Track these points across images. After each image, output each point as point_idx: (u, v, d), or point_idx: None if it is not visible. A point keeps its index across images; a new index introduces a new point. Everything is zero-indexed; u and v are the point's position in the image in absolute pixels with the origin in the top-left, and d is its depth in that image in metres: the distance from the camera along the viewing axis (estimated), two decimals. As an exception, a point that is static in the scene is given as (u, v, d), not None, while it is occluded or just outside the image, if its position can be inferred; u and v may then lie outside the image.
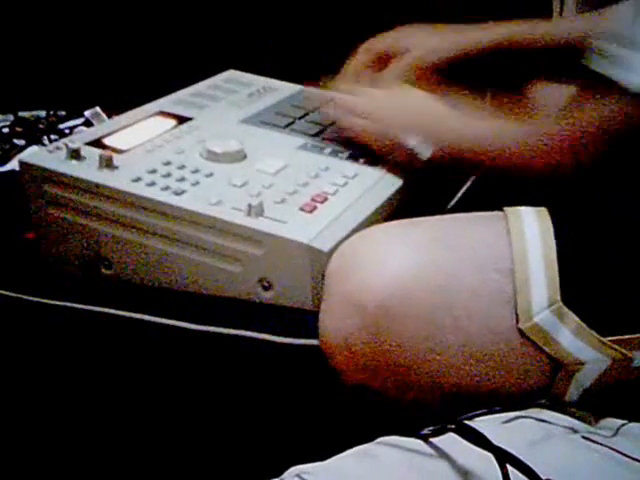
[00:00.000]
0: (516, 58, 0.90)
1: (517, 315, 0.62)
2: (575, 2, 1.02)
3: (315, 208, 0.75)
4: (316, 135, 0.90)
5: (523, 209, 0.67)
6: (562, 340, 0.62)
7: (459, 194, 0.91)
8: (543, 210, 0.66)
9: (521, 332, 0.62)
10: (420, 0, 1.21)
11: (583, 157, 0.67)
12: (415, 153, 0.77)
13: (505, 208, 0.68)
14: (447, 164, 0.77)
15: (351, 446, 0.59)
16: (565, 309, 0.61)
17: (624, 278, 0.63)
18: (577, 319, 0.61)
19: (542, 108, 0.73)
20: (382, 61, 0.95)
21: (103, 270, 0.81)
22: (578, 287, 0.62)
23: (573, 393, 0.64)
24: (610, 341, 0.61)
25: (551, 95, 0.92)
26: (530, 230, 0.64)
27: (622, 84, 0.64)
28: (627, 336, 0.61)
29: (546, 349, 0.62)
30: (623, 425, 0.62)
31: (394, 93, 0.85)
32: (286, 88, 1.04)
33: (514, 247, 0.63)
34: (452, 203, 0.90)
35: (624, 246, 0.64)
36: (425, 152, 0.77)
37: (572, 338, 0.61)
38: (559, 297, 0.61)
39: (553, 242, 0.63)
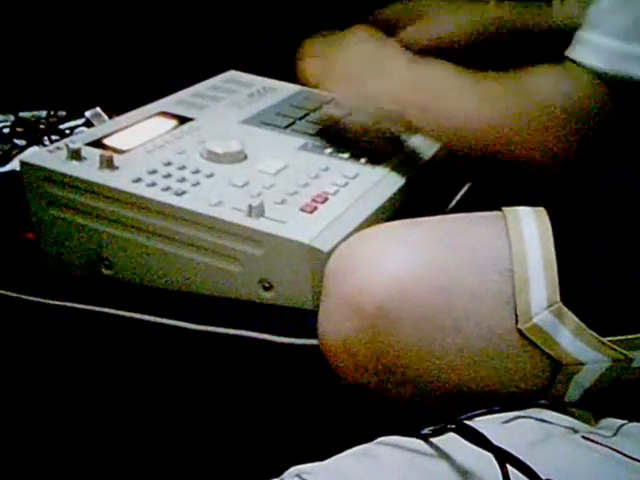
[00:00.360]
0: (515, 42, 0.90)
1: (516, 316, 0.62)
2: None
3: (315, 208, 0.75)
4: (316, 135, 0.90)
5: (521, 209, 0.67)
6: (562, 340, 0.61)
7: (459, 195, 0.91)
8: (541, 210, 0.66)
9: (521, 333, 0.62)
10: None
11: (554, 143, 0.66)
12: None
13: (503, 208, 0.68)
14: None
15: (351, 446, 0.59)
16: (564, 309, 0.61)
17: (623, 278, 0.63)
18: (576, 319, 0.61)
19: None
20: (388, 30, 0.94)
21: (103, 270, 0.81)
22: (577, 287, 0.62)
23: (573, 393, 0.64)
24: (610, 341, 0.61)
25: None
26: (529, 230, 0.64)
27: (580, 63, 0.64)
28: (627, 336, 0.61)
29: (546, 349, 0.62)
30: (623, 425, 0.62)
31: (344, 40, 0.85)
32: (286, 88, 1.04)
33: (513, 247, 0.63)
34: (452, 204, 0.90)
35: (623, 246, 0.64)
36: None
37: (572, 338, 0.61)
38: (558, 297, 0.61)
39: (552, 242, 0.63)
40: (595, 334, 0.61)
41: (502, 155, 0.69)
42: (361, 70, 0.80)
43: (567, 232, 0.64)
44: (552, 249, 0.63)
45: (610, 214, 0.66)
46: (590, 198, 0.68)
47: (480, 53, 0.91)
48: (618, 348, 0.61)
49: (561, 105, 0.65)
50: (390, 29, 0.95)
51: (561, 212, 0.66)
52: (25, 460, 0.75)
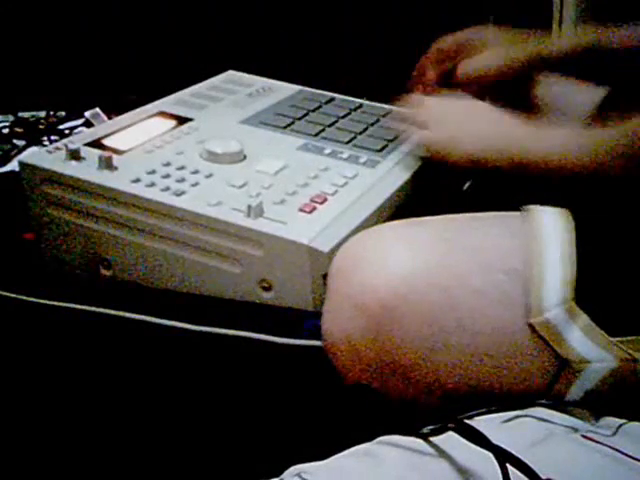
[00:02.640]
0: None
1: (528, 309, 0.62)
2: (575, 12, 1.03)
3: (315, 209, 0.75)
4: (316, 135, 0.90)
5: (543, 208, 0.67)
6: (570, 338, 0.62)
7: (460, 194, 0.91)
8: (563, 210, 0.67)
9: (530, 327, 0.62)
10: (420, 4, 1.22)
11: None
12: (480, 161, 0.77)
13: (525, 206, 0.68)
14: (509, 173, 0.76)
15: (351, 446, 0.59)
16: (576, 308, 0.61)
17: (634, 278, 0.63)
18: (587, 318, 0.61)
19: (607, 119, 0.72)
20: (451, 59, 0.95)
21: (103, 270, 0.81)
22: (589, 286, 0.62)
23: (575, 393, 0.64)
24: (618, 341, 0.61)
25: (563, 94, 0.93)
26: (548, 227, 0.64)
27: None
28: (636, 337, 0.61)
29: (553, 346, 0.62)
30: (623, 424, 0.62)
31: (451, 101, 0.85)
32: (285, 88, 1.04)
33: (531, 243, 0.63)
34: (453, 203, 0.90)
35: (634, 247, 0.64)
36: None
37: (580, 337, 0.61)
38: (572, 295, 0.61)
39: (571, 240, 0.63)
40: (605, 334, 0.61)
41: (594, 178, 0.70)
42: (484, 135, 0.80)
43: (581, 232, 0.64)
44: (571, 247, 0.63)
45: (624, 215, 0.66)
46: (607, 199, 0.68)
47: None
48: (625, 348, 0.61)
49: None
50: (451, 58, 0.96)
51: (577, 211, 0.66)
52: (25, 460, 0.75)
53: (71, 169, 0.80)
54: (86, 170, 0.80)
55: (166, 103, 0.97)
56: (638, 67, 0.83)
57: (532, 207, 0.68)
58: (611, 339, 0.61)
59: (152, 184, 0.77)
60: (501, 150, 0.76)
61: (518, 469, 0.51)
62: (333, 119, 0.94)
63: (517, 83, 0.92)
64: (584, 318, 0.61)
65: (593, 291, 0.62)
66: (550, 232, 0.64)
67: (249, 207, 0.73)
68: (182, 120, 0.92)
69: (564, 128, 0.75)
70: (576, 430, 0.61)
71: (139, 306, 0.75)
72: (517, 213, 0.68)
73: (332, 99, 1.01)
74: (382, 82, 0.97)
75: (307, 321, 0.70)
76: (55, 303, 0.77)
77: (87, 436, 0.75)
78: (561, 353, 0.62)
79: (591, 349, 0.62)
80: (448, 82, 0.95)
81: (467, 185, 0.92)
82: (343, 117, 0.95)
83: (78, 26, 1.33)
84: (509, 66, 0.92)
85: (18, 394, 0.77)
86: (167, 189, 0.77)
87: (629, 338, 0.61)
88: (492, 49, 0.94)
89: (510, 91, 0.88)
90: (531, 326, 0.62)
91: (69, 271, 0.83)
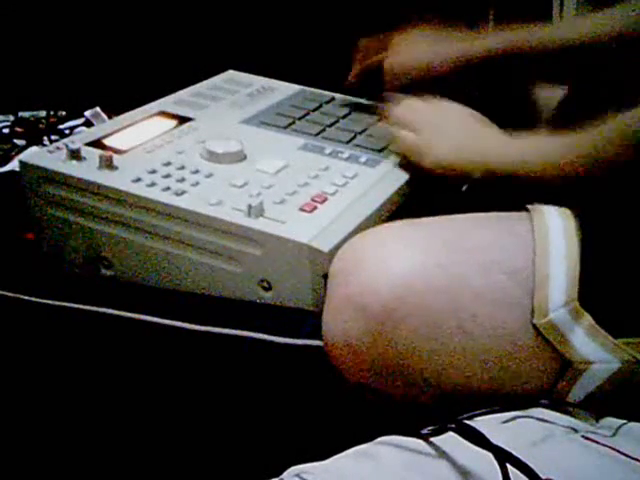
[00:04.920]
0: (514, 64, 0.91)
1: (532, 311, 0.62)
2: (575, 1, 1.03)
3: (315, 208, 0.75)
4: (316, 135, 0.90)
5: (548, 207, 0.67)
6: (574, 339, 0.61)
7: (459, 194, 0.91)
8: (566, 210, 0.67)
9: (534, 328, 0.62)
10: (419, 3, 1.21)
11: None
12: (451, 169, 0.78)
13: (529, 207, 0.68)
14: (488, 182, 0.77)
15: (351, 446, 0.59)
16: (581, 309, 0.61)
17: (638, 280, 0.63)
18: (591, 320, 0.61)
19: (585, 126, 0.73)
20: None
21: (103, 270, 0.81)
22: (593, 288, 0.62)
23: (577, 393, 0.64)
24: (622, 343, 0.61)
25: (552, 98, 0.93)
26: (554, 228, 0.64)
27: None
28: (638, 339, 0.61)
29: (557, 347, 0.62)
30: (623, 425, 0.62)
31: (438, 107, 0.85)
32: (286, 88, 1.04)
33: (537, 244, 0.63)
34: (453, 203, 0.90)
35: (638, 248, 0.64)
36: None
37: (584, 338, 0.61)
38: (576, 296, 0.61)
39: (576, 241, 0.63)
40: (608, 335, 0.61)
41: (572, 184, 0.71)
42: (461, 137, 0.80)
43: (584, 232, 0.64)
44: (577, 249, 0.63)
45: (627, 215, 0.66)
46: (611, 201, 0.68)
47: (472, 79, 0.92)
48: (629, 350, 0.61)
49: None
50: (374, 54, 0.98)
51: (579, 211, 0.66)
52: (25, 460, 0.75)
53: (71, 169, 0.80)
54: (86, 170, 0.80)
55: (166, 103, 0.97)
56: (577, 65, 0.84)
57: (535, 207, 0.68)
58: (615, 341, 0.61)
59: (152, 184, 0.77)
60: (473, 161, 0.77)
61: (518, 469, 0.51)
62: (333, 119, 0.94)
63: (457, 82, 0.93)
64: (588, 319, 0.61)
65: (597, 292, 0.62)
66: (554, 232, 0.64)
67: (249, 207, 0.73)
68: (182, 120, 0.92)
69: (530, 137, 0.76)
70: (576, 430, 0.61)
71: (139, 306, 0.75)
72: (517, 213, 0.68)
73: (332, 99, 1.01)
74: (382, 82, 0.97)
75: (308, 321, 0.70)
76: (55, 303, 0.77)
77: (87, 436, 0.75)
78: (564, 354, 0.62)
79: (594, 350, 0.61)
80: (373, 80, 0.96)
81: (466, 186, 0.92)
82: (343, 117, 0.95)
83: (78, 26, 1.33)
84: (437, 63, 0.92)
85: (18, 394, 0.77)
86: (167, 189, 0.77)
87: (633, 340, 0.61)
88: (419, 46, 0.95)
89: (444, 90, 0.89)
90: (534, 327, 0.62)
91: (69, 271, 0.83)
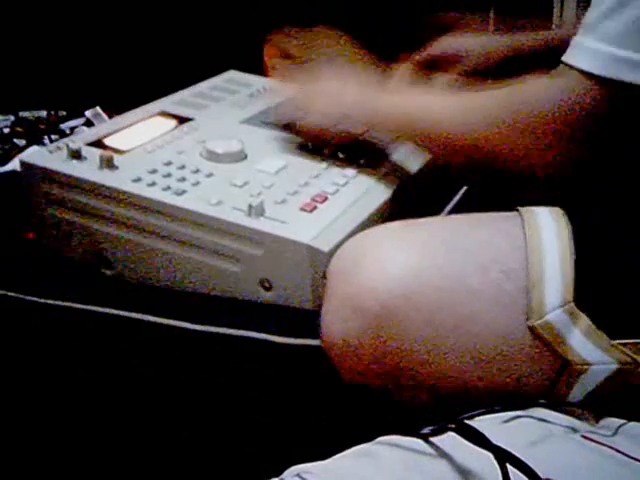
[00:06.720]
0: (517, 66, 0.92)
1: (528, 312, 0.62)
2: (575, 1, 1.03)
3: (315, 208, 0.75)
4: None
5: (539, 208, 0.67)
6: (571, 340, 0.61)
7: (458, 195, 0.91)
8: (559, 210, 0.67)
9: (530, 330, 0.62)
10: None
11: (548, 148, 0.67)
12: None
13: (520, 208, 0.68)
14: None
15: (351, 446, 0.59)
16: (577, 310, 0.61)
17: (635, 281, 0.63)
18: (588, 320, 0.61)
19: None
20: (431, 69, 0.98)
21: (103, 270, 0.81)
22: (590, 289, 0.62)
23: (577, 394, 0.64)
24: (619, 344, 0.61)
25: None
26: (547, 229, 0.64)
27: (574, 66, 0.64)
28: (636, 340, 0.61)
29: (555, 348, 0.62)
30: (623, 425, 0.62)
31: (322, 81, 0.86)
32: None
33: (530, 244, 0.63)
34: (450, 206, 0.90)
35: (636, 249, 0.64)
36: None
37: (581, 339, 0.61)
38: (572, 297, 0.61)
39: (570, 242, 0.63)
40: (605, 336, 0.61)
41: (496, 163, 0.70)
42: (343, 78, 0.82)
43: (581, 233, 0.64)
44: (570, 249, 0.63)
45: (624, 216, 0.66)
46: (605, 201, 0.68)
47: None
48: (626, 351, 0.61)
49: (552, 110, 0.65)
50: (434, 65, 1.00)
51: (576, 213, 0.66)
52: (25, 460, 0.75)
53: (72, 169, 0.80)
54: (87, 169, 0.80)
55: (167, 103, 0.97)
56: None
57: (530, 208, 0.68)
58: (612, 342, 0.61)
59: (153, 183, 0.77)
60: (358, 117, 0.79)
61: (518, 469, 0.51)
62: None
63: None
64: (585, 320, 0.61)
65: (593, 293, 0.62)
66: (549, 233, 0.64)
67: (250, 206, 0.73)
68: (183, 120, 0.92)
69: (432, 92, 0.77)
70: (576, 430, 0.61)
71: (139, 305, 0.75)
72: (510, 213, 0.68)
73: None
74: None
75: (310, 320, 0.70)
76: (56, 302, 0.77)
77: (88, 436, 0.75)
78: (562, 355, 0.62)
79: (592, 351, 0.61)
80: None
81: (464, 188, 0.92)
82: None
83: (78, 26, 1.33)
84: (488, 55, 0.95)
85: (18, 393, 0.77)
86: (168, 188, 0.77)
87: (630, 341, 0.61)
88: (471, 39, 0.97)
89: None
90: (531, 327, 0.62)
91: (70, 270, 0.83)
